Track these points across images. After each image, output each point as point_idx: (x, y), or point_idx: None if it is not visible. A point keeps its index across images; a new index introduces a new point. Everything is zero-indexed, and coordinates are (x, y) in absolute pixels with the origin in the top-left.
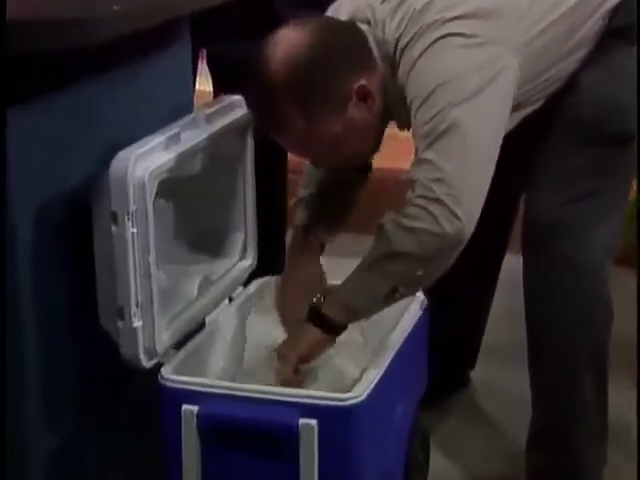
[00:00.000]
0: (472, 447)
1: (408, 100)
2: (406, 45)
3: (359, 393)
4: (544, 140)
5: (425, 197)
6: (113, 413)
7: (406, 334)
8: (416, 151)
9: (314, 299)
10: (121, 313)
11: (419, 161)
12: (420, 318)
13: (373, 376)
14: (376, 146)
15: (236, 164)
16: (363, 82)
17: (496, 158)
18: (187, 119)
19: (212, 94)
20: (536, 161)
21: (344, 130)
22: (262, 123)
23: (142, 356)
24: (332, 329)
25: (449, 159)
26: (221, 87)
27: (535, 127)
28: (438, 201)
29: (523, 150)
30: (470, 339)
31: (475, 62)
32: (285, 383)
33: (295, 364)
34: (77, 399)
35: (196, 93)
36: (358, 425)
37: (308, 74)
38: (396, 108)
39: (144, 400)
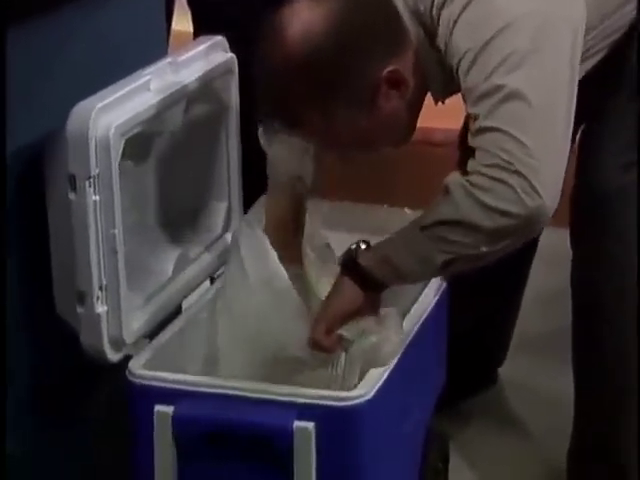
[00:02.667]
0: (499, 456)
1: (454, 62)
2: (443, 4)
3: (364, 392)
4: (601, 98)
5: (498, 167)
6: (74, 416)
7: (420, 323)
8: (473, 117)
9: (352, 246)
10: (81, 297)
11: (482, 129)
12: (437, 304)
13: (380, 372)
14: (410, 132)
15: (218, 119)
16: (394, 67)
17: (572, 118)
18: (160, 64)
19: (192, 35)
20: (593, 122)
21: (373, 124)
22: (273, 117)
23: (107, 348)
24: (369, 284)
25: (520, 127)
26: (203, 26)
27: (591, 83)
28: (515, 173)
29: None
30: (499, 330)
31: (533, 6)
32: (315, 347)
33: (328, 324)
34: (30, 401)
35: (172, 34)
36: (362, 429)
37: (327, 61)
38: (433, 80)
39: (110, 401)
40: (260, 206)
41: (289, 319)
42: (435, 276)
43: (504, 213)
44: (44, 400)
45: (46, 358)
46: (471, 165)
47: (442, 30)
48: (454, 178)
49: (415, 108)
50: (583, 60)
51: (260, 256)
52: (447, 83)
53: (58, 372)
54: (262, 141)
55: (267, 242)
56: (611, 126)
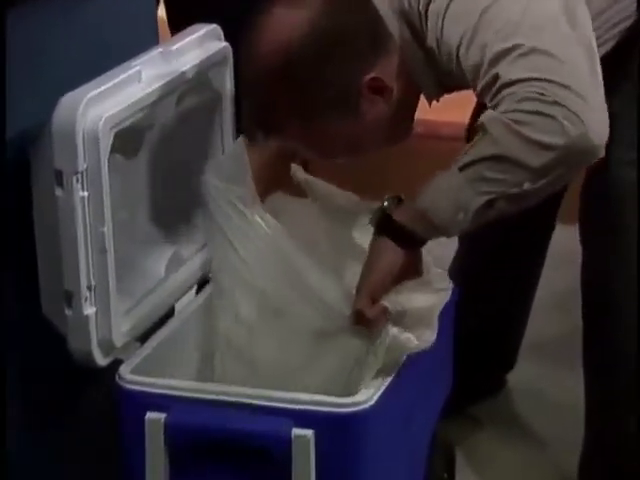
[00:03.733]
0: (507, 463)
1: (453, 52)
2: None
3: (366, 398)
4: (610, 92)
5: (535, 100)
6: (61, 424)
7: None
8: (490, 81)
9: (384, 203)
10: (69, 298)
11: (506, 84)
12: (444, 306)
13: (383, 377)
14: (405, 133)
15: (212, 110)
16: (375, 74)
17: (597, 57)
18: (151, 54)
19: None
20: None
21: (357, 129)
22: (254, 124)
23: (95, 351)
24: (408, 241)
25: (548, 72)
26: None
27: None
28: (554, 103)
29: None
30: (509, 333)
31: None
32: (359, 320)
33: (372, 293)
34: (16, 408)
35: (163, 21)
36: (364, 437)
37: (305, 69)
38: (423, 79)
39: (99, 407)
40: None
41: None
42: (475, 224)
43: (547, 146)
44: (29, 405)
45: (32, 360)
46: (503, 107)
47: (431, 25)
48: (490, 115)
49: (407, 108)
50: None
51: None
52: (439, 81)
53: (44, 375)
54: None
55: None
56: (622, 121)
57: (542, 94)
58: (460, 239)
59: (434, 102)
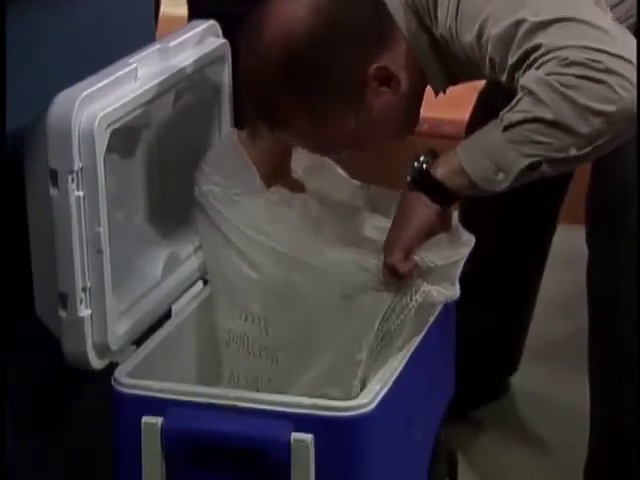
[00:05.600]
0: (511, 470)
1: (469, 44)
2: None
3: (366, 401)
4: None
5: (583, 65)
6: (55, 428)
7: (428, 328)
8: (525, 54)
9: (420, 158)
10: (63, 300)
11: (545, 53)
12: (445, 309)
13: (384, 380)
14: (411, 126)
15: (210, 109)
16: (382, 63)
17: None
18: (148, 51)
19: (187, 19)
20: None
21: (364, 121)
22: (257, 118)
23: (91, 354)
24: (444, 197)
25: (583, 37)
26: (197, 10)
27: None
28: (606, 71)
29: None
30: (512, 336)
31: None
32: (392, 274)
33: (406, 246)
34: (10, 410)
35: (160, 17)
36: (364, 441)
37: (308, 60)
38: (430, 71)
39: (94, 411)
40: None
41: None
42: (514, 185)
43: (598, 112)
44: (23, 407)
45: (26, 362)
46: (547, 69)
47: (442, 12)
48: (535, 76)
49: (413, 101)
50: None
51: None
52: (447, 71)
53: (39, 377)
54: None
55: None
56: None
57: (593, 60)
58: None
59: (433, 100)
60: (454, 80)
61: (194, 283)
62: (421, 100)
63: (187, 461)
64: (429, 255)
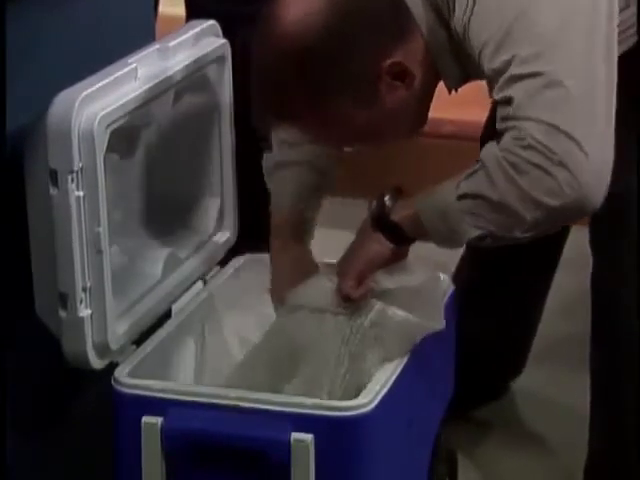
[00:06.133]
0: (512, 470)
1: (475, 47)
2: None
3: (366, 401)
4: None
5: (539, 153)
6: (55, 428)
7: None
8: (504, 100)
9: (384, 197)
10: (63, 300)
11: (518, 117)
12: (445, 308)
13: (384, 380)
14: (420, 124)
15: (210, 109)
16: (397, 58)
17: (614, 96)
18: (147, 51)
19: (184, 19)
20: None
21: (375, 116)
22: (269, 111)
23: (91, 354)
24: (399, 238)
25: (562, 117)
26: (195, 10)
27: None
28: (559, 163)
29: None
30: (518, 340)
31: None
32: (346, 299)
33: (357, 277)
34: (8, 412)
35: (160, 17)
36: (364, 441)
37: (323, 52)
38: (445, 68)
39: (94, 411)
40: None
41: None
42: (459, 246)
43: (540, 203)
44: (23, 407)
45: (26, 362)
46: (507, 142)
47: (458, 12)
48: (491, 153)
49: (425, 98)
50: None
51: None
52: (462, 71)
53: (39, 377)
54: (264, 170)
55: None
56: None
57: (550, 150)
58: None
59: (433, 100)
60: (469, 77)
61: (194, 283)
62: (432, 98)
63: (187, 461)
64: (383, 280)
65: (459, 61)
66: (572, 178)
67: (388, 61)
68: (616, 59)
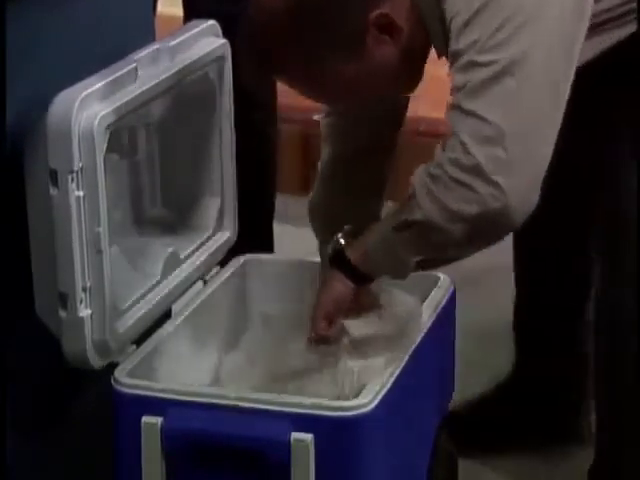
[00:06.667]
0: (512, 473)
1: (447, 18)
2: None
3: (366, 401)
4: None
5: (470, 170)
6: (55, 428)
7: (427, 328)
8: (457, 86)
9: (339, 236)
10: (63, 300)
11: (464, 111)
12: (445, 308)
13: (384, 380)
14: (413, 83)
15: (210, 109)
16: (383, 10)
17: (564, 108)
18: (147, 50)
19: (182, 19)
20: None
21: (362, 70)
22: (255, 61)
23: (91, 354)
24: (357, 277)
25: (505, 116)
26: (193, 10)
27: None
28: (479, 173)
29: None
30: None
31: None
32: (320, 340)
33: (325, 317)
34: (8, 412)
35: (159, 17)
36: (364, 441)
37: (309, 2)
38: (432, 32)
39: (94, 411)
40: None
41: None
42: (407, 274)
43: (465, 218)
44: (22, 406)
45: (26, 362)
46: (438, 152)
47: None
48: (419, 175)
49: (416, 55)
50: (598, 32)
51: None
52: (447, 38)
53: (37, 377)
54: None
55: None
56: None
57: (473, 156)
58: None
59: (432, 100)
60: None
61: (194, 283)
62: (424, 58)
63: (187, 461)
64: (349, 325)
65: (444, 26)
66: (492, 188)
67: (375, 12)
68: (577, 56)
